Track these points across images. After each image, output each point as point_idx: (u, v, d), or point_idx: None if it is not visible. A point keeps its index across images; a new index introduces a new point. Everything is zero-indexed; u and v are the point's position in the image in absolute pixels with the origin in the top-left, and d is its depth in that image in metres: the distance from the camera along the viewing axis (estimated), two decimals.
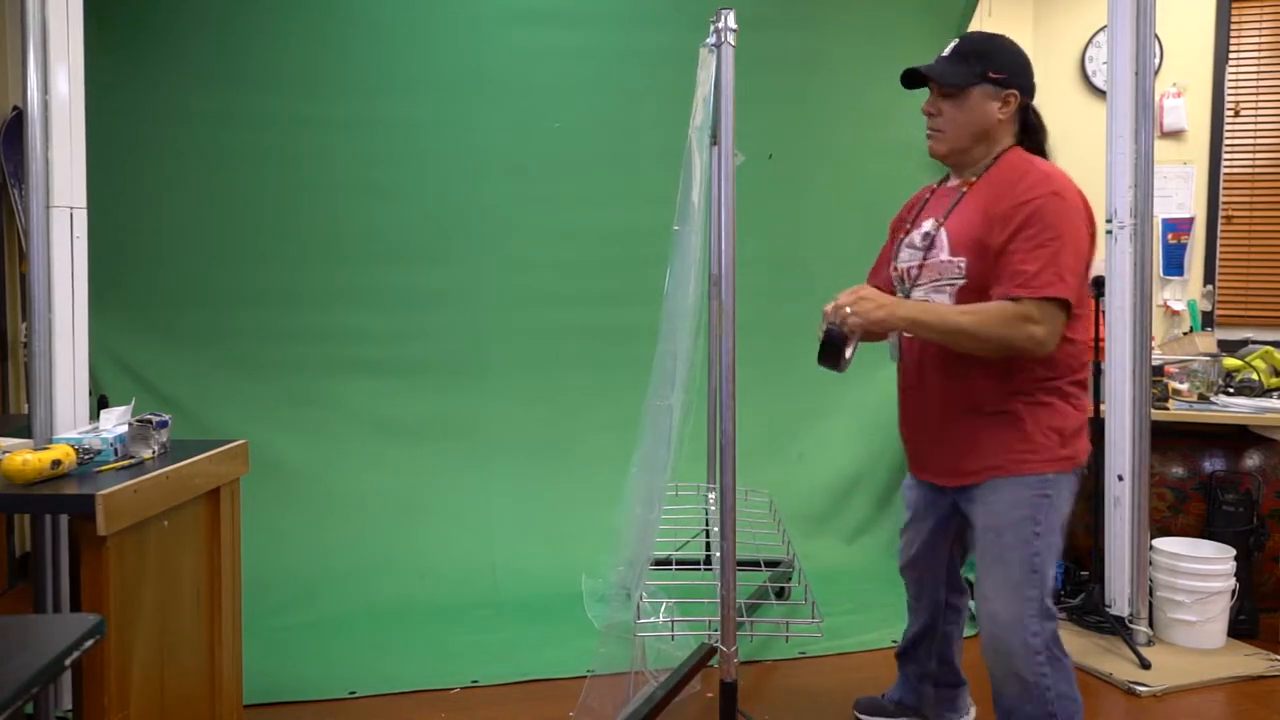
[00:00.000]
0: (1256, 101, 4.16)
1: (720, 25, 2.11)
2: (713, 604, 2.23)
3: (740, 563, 2.22)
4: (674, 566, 3.07)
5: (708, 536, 3.42)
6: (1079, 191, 2.03)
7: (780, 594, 3.40)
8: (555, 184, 3.80)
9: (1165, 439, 3.35)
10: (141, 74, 3.53)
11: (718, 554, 3.01)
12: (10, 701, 1.26)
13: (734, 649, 2.16)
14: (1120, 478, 3.11)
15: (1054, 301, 1.91)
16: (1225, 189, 4.20)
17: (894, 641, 3.11)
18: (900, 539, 2.42)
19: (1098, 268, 3.82)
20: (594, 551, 3.54)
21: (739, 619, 2.21)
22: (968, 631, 3.20)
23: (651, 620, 2.52)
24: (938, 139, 2.15)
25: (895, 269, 2.24)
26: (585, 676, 2.80)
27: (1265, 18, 4.13)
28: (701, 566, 3.25)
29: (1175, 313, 4.23)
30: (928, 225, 2.15)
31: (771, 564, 3.38)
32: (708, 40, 2.17)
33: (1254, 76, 4.15)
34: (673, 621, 2.71)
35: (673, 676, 2.58)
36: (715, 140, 2.53)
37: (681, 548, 3.33)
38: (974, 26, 4.21)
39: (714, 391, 3.50)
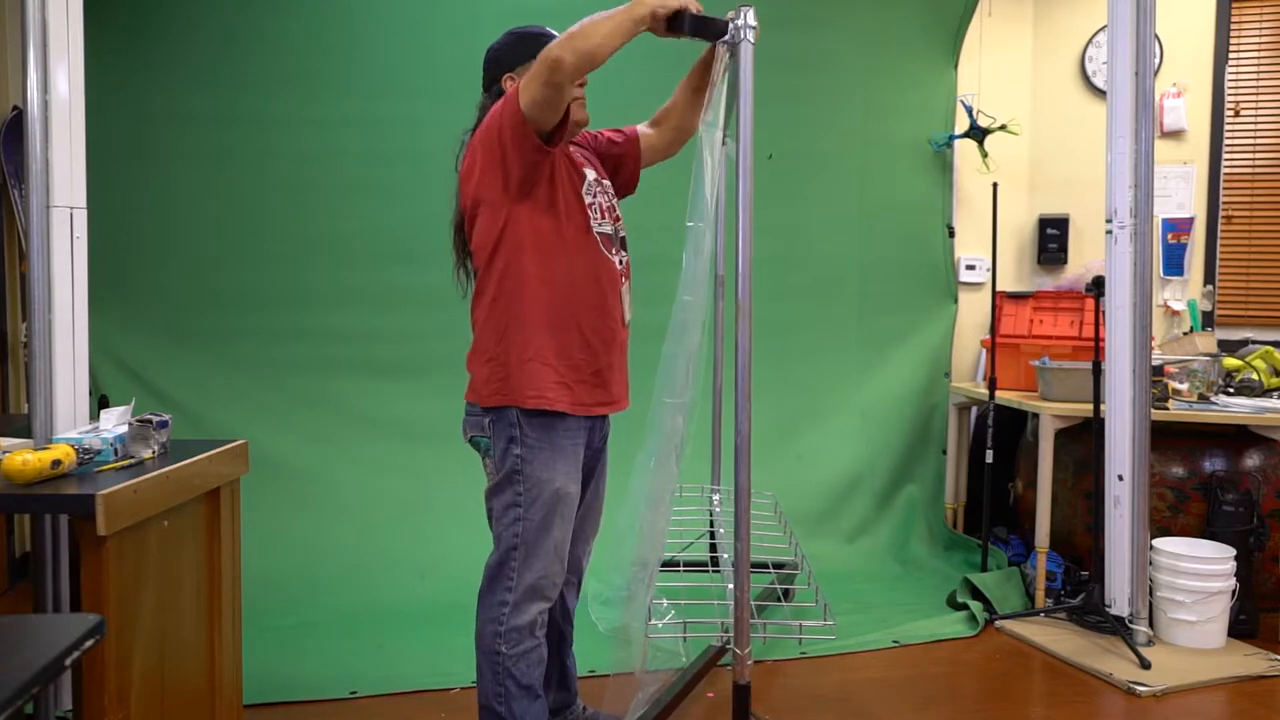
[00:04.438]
0: (1256, 101, 4.16)
1: (740, 22, 2.10)
2: (722, 605, 2.22)
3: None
4: (681, 568, 3.06)
5: (712, 538, 3.42)
6: None
7: (785, 595, 3.40)
8: None
9: (1165, 439, 3.35)
10: (142, 74, 3.53)
11: (725, 555, 3.01)
12: (10, 701, 1.26)
13: (748, 650, 2.16)
14: (1120, 478, 3.11)
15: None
16: (1225, 189, 4.20)
17: (895, 642, 3.12)
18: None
19: (1098, 268, 3.84)
20: (596, 552, 3.53)
21: (751, 620, 2.20)
22: (968, 631, 3.21)
23: (663, 622, 2.52)
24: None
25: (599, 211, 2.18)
26: (586, 677, 2.80)
27: (1265, 18, 4.13)
28: (709, 568, 3.25)
29: (1175, 313, 4.23)
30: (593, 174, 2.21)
31: (778, 565, 3.38)
32: (724, 37, 2.16)
33: (1254, 76, 4.15)
34: (684, 623, 2.70)
35: (682, 678, 2.58)
36: (726, 138, 2.54)
37: (686, 549, 3.33)
38: (974, 26, 4.21)
39: (719, 392, 3.51)
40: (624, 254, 2.21)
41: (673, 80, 2.40)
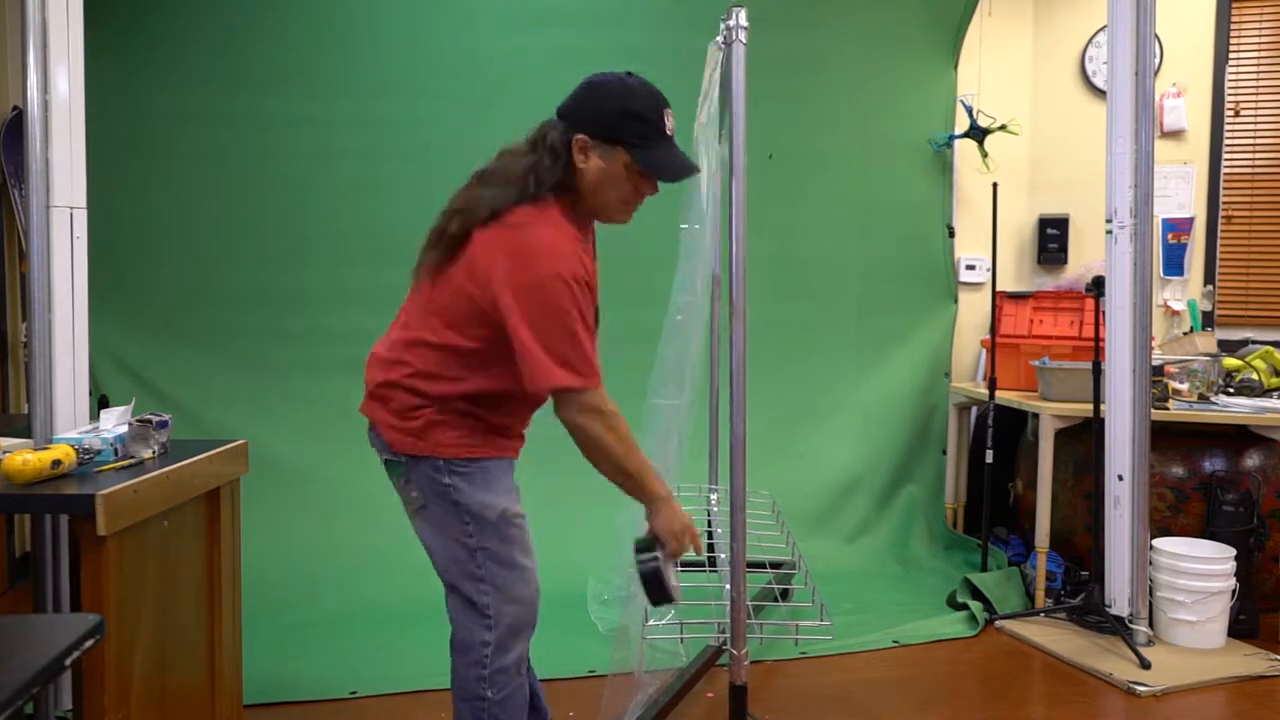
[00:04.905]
0: (1256, 101, 4.16)
1: (732, 23, 2.10)
2: (719, 606, 2.22)
3: (747, 564, 2.21)
4: (678, 567, 3.06)
5: (710, 538, 3.42)
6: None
7: (784, 595, 3.40)
8: None
9: (1165, 439, 3.35)
10: (142, 74, 3.53)
11: (722, 555, 3.02)
12: (10, 701, 1.26)
13: (744, 651, 2.15)
14: (1120, 478, 3.11)
15: None
16: (1225, 189, 4.20)
17: (895, 642, 3.12)
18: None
19: (1098, 268, 3.84)
20: (596, 552, 3.54)
21: (748, 621, 2.20)
22: (968, 631, 3.21)
23: (660, 623, 2.52)
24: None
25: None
26: (586, 677, 2.80)
27: (1265, 18, 4.13)
28: (706, 568, 3.25)
29: (1175, 313, 4.23)
30: None
31: (775, 565, 3.38)
32: (717, 38, 2.16)
33: (1254, 76, 4.15)
34: (681, 624, 2.70)
35: (680, 678, 2.58)
36: (722, 139, 2.53)
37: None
38: (974, 27, 4.21)
39: (716, 392, 3.51)
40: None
41: (673, 80, 2.40)
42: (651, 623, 2.33)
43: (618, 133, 1.81)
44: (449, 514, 1.89)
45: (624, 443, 1.81)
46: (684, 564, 3.12)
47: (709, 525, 3.44)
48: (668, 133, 1.86)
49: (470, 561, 1.90)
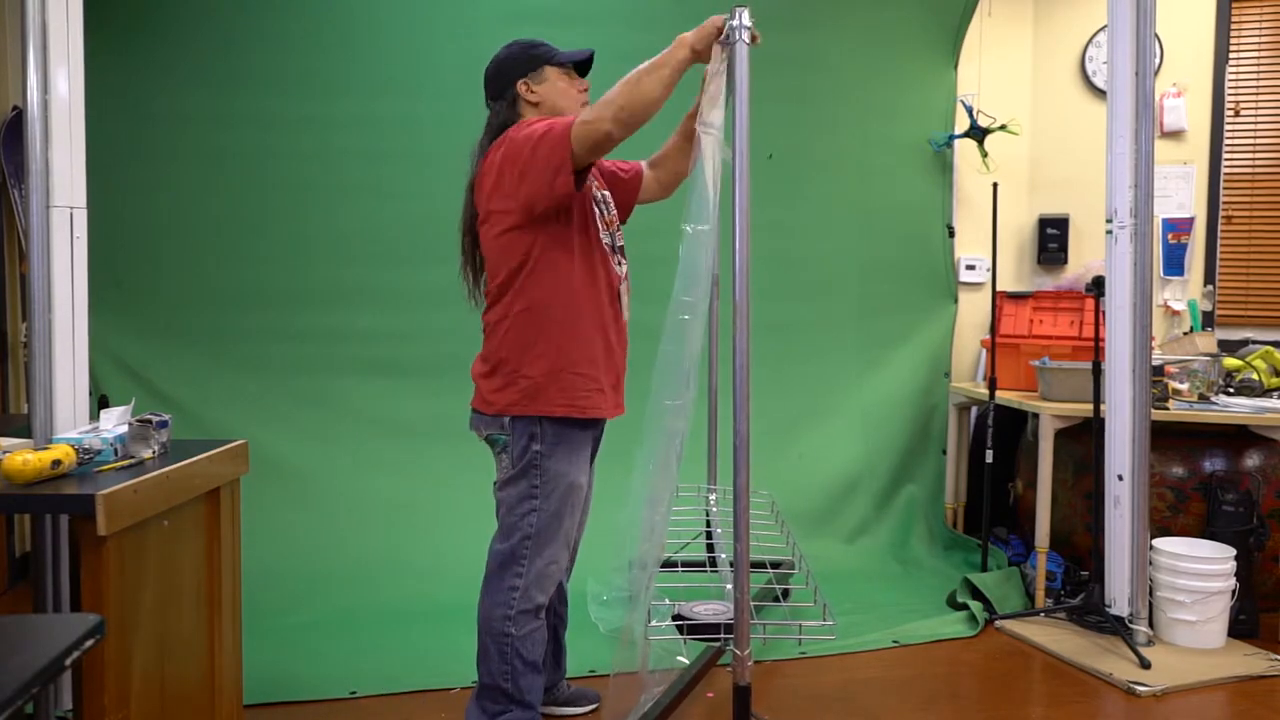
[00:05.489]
0: (1256, 101, 4.16)
1: (735, 23, 2.10)
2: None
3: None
4: (679, 568, 3.06)
5: (709, 538, 3.42)
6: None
7: (784, 595, 3.40)
8: None
9: (1165, 439, 3.35)
10: (142, 74, 3.54)
11: (722, 555, 3.02)
12: (10, 701, 1.26)
13: (748, 652, 2.15)
14: (1120, 478, 3.11)
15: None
16: (1225, 189, 4.20)
17: (895, 642, 3.12)
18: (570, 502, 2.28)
19: (1098, 268, 3.84)
20: (596, 552, 3.53)
21: (752, 622, 2.20)
22: (967, 631, 3.21)
23: (665, 623, 2.52)
24: None
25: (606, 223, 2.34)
26: (587, 677, 2.80)
27: (1265, 18, 4.13)
28: (705, 568, 3.24)
29: (1175, 313, 4.23)
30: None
31: (775, 565, 3.37)
32: (720, 38, 2.16)
33: (1254, 76, 4.15)
34: (684, 624, 2.70)
35: (681, 678, 2.58)
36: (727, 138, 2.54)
37: (683, 549, 3.33)
38: (974, 27, 4.21)
39: (715, 392, 3.51)
40: (624, 261, 2.36)
41: (689, 82, 2.40)
42: (654, 623, 2.33)
43: (536, 60, 2.27)
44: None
45: (614, 92, 2.03)
46: (685, 564, 3.12)
47: (708, 525, 3.44)
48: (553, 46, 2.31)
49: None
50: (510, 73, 2.27)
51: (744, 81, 2.10)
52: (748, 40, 2.09)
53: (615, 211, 2.40)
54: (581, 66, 2.34)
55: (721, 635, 2.56)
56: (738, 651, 2.14)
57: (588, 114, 2.04)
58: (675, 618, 2.87)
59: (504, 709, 2.24)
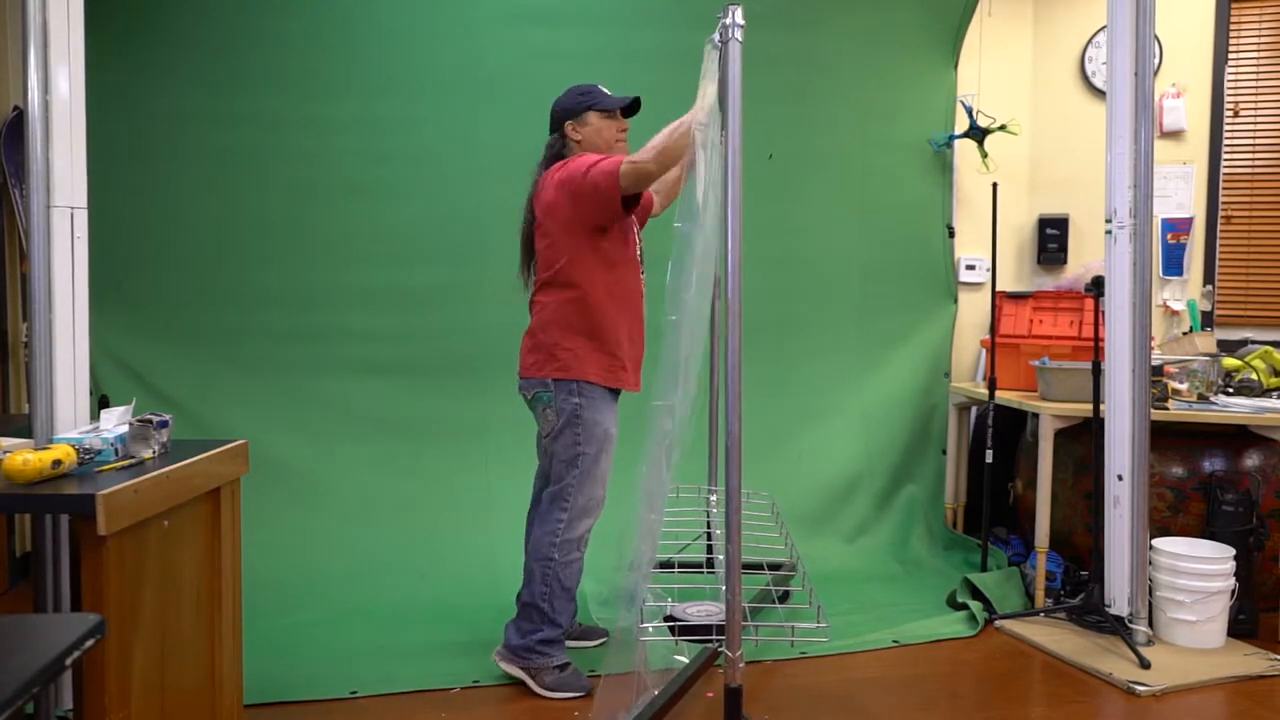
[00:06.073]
0: (1256, 101, 4.16)
1: (728, 21, 2.10)
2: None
3: (743, 566, 2.23)
4: (676, 569, 3.07)
5: (709, 539, 3.42)
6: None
7: (784, 597, 3.40)
8: None
9: (1165, 439, 3.36)
10: (142, 74, 3.54)
11: (721, 556, 3.02)
12: (10, 701, 1.26)
13: (739, 653, 2.15)
14: (1120, 478, 3.11)
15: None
16: (1225, 189, 4.20)
17: (895, 642, 3.12)
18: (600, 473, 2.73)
19: (1097, 268, 3.83)
20: (597, 553, 3.54)
21: (743, 623, 2.21)
22: (967, 631, 3.21)
23: (656, 624, 2.52)
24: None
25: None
26: (598, 677, 2.80)
27: (1265, 18, 4.13)
28: (704, 569, 3.24)
29: (1175, 313, 4.23)
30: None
31: (774, 566, 3.37)
32: (713, 36, 2.16)
33: (1254, 76, 4.15)
34: (678, 625, 2.71)
35: (676, 680, 2.58)
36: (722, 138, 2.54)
37: (683, 550, 3.33)
38: (974, 27, 4.21)
39: (716, 392, 3.51)
40: (644, 271, 2.84)
41: (672, 79, 2.41)
42: (645, 625, 2.34)
43: (580, 106, 2.75)
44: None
45: (657, 140, 2.44)
46: (683, 565, 3.13)
47: (708, 527, 3.44)
48: (606, 91, 2.77)
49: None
50: (562, 115, 2.77)
51: (736, 80, 2.10)
52: (740, 39, 2.10)
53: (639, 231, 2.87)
54: (627, 109, 2.79)
55: (714, 637, 2.58)
56: (729, 653, 2.15)
57: (635, 156, 2.48)
58: (667, 619, 2.90)
59: (536, 628, 2.68)
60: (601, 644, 3.01)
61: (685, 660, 2.69)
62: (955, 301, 4.25)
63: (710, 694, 2.71)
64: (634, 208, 2.62)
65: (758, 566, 3.22)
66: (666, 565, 3.16)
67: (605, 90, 2.78)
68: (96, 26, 3.15)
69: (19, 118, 3.49)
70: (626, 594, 2.29)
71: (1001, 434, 3.91)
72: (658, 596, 2.80)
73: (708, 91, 2.16)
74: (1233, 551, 3.09)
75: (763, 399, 4.02)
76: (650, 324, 2.75)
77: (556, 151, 2.78)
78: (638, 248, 2.80)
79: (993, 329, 3.86)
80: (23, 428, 2.39)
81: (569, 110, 2.77)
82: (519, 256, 2.84)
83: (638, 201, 2.63)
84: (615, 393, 2.75)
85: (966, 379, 4.35)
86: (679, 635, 2.74)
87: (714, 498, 3.51)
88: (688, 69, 2.36)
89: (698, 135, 2.15)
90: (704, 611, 3.02)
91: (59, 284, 2.28)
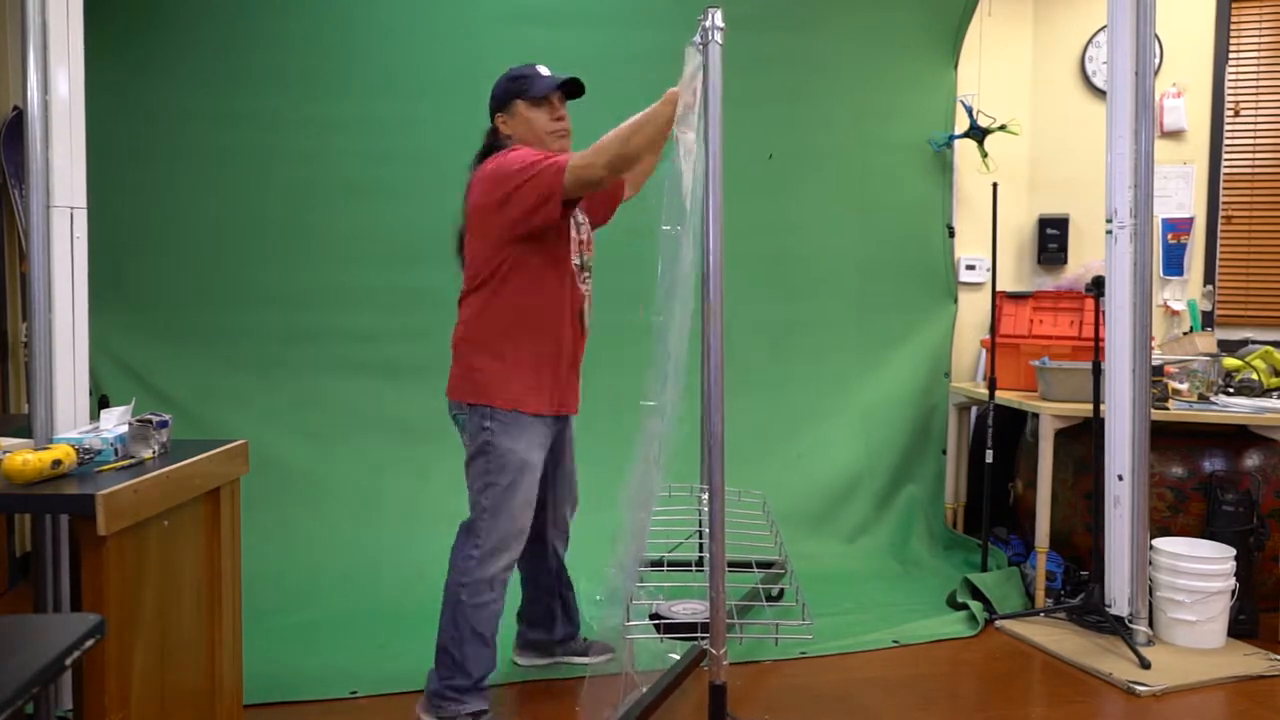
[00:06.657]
0: (1256, 101, 4.16)
1: (708, 24, 2.10)
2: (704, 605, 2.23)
3: (732, 564, 2.23)
4: (665, 567, 3.07)
5: (701, 538, 3.42)
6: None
7: (775, 596, 3.40)
8: None
9: (1165, 439, 3.35)
10: (142, 74, 3.54)
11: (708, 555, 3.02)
12: (10, 701, 1.26)
13: (723, 651, 2.16)
14: (1120, 478, 3.11)
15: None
16: (1225, 189, 4.20)
17: (895, 642, 3.12)
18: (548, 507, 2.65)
19: (1098, 268, 3.84)
20: (594, 553, 3.54)
21: (729, 621, 2.21)
22: (967, 631, 3.21)
23: (642, 622, 2.53)
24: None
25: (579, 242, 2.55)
26: (585, 677, 2.80)
27: (1265, 18, 4.13)
28: (694, 567, 3.24)
29: (1175, 313, 4.23)
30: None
31: (764, 565, 3.37)
32: (694, 39, 2.16)
33: (1254, 76, 4.15)
34: (664, 623, 2.71)
35: (664, 679, 2.58)
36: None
37: (675, 549, 3.33)
38: (974, 26, 4.21)
39: (705, 391, 3.50)
40: (589, 280, 2.57)
41: (672, 80, 2.40)
42: (631, 623, 2.35)
43: (508, 96, 2.47)
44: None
45: (609, 142, 2.20)
46: (672, 564, 3.12)
47: (700, 525, 3.44)
48: (543, 73, 2.47)
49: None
50: (493, 106, 2.53)
51: (717, 82, 2.11)
52: (720, 41, 2.10)
53: (590, 234, 2.60)
54: (570, 87, 2.50)
55: (699, 635, 2.57)
56: (713, 651, 2.15)
57: (582, 159, 2.22)
58: (653, 616, 2.89)
59: (450, 675, 2.42)
60: (609, 659, 2.84)
61: (677, 658, 2.70)
62: (955, 301, 4.25)
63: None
64: (571, 211, 2.38)
65: (746, 565, 3.22)
66: (657, 564, 3.16)
67: (543, 71, 2.50)
68: (96, 26, 3.15)
69: (18, 118, 3.49)
70: (612, 592, 2.31)
71: (1001, 434, 3.91)
72: (649, 595, 2.80)
73: (685, 93, 2.16)
74: (1233, 551, 3.09)
75: (762, 399, 4.02)
76: (640, 325, 2.73)
77: (491, 142, 2.51)
78: (578, 254, 2.51)
79: (993, 329, 3.86)
80: (23, 428, 2.39)
81: (498, 100, 2.51)
82: (456, 261, 2.59)
83: (576, 204, 2.39)
84: (546, 419, 2.47)
85: (966, 379, 4.35)
86: (664, 633, 2.71)
87: (705, 497, 3.51)
88: (678, 71, 2.36)
89: (680, 138, 2.15)
90: (690, 610, 3.01)
91: (59, 284, 2.28)
